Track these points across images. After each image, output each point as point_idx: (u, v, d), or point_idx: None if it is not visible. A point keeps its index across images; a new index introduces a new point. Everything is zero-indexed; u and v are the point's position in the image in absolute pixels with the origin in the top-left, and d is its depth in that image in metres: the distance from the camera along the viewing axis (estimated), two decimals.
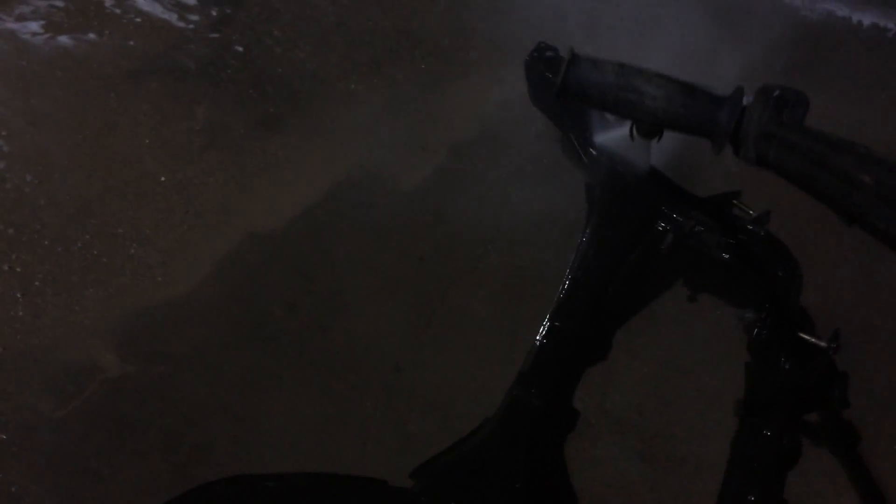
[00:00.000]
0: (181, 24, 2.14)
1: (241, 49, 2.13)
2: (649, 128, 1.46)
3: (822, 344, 1.56)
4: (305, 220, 1.84)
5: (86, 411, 1.49)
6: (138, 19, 2.10)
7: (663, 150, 1.63)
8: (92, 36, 2.05)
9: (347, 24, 2.24)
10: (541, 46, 1.87)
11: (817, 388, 1.65)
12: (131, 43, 2.06)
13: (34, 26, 2.05)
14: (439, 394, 1.64)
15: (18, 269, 1.63)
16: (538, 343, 1.59)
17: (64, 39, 2.03)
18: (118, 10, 2.12)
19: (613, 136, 1.68)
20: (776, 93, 1.24)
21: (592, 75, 1.41)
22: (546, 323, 1.61)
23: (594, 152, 1.79)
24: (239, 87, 2.05)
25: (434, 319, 1.75)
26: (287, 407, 1.55)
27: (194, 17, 2.15)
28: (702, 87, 1.35)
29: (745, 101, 1.28)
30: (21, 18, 2.07)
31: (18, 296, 1.60)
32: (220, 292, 1.68)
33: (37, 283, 1.62)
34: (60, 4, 2.10)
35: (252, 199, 1.85)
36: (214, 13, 2.21)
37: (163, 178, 1.83)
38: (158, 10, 2.15)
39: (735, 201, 1.69)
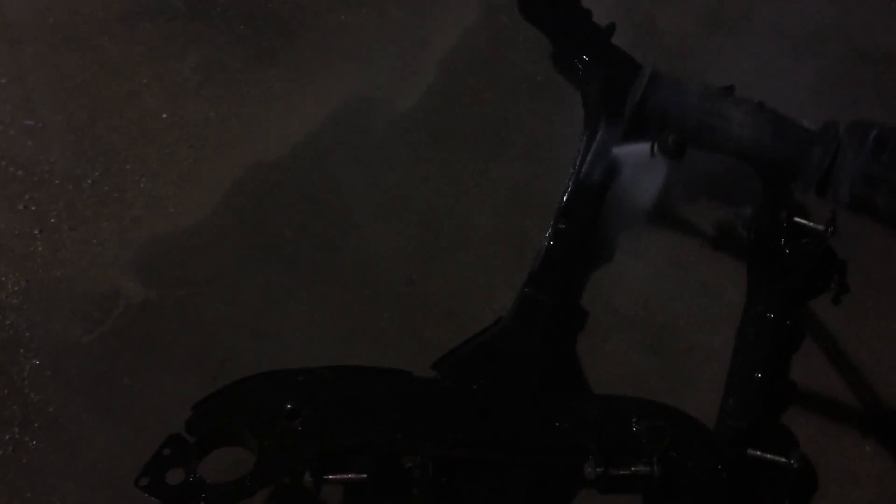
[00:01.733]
0: None
1: None
2: (675, 147, 1.39)
3: (819, 227, 1.61)
4: (308, 147, 1.88)
5: (113, 334, 1.54)
6: None
7: None
8: None
9: None
10: None
11: (817, 274, 1.71)
12: None
13: None
14: (452, 302, 1.70)
15: (33, 208, 1.68)
16: (546, 244, 1.64)
17: None
18: None
19: (632, 150, 1.61)
20: (874, 132, 1.17)
21: (674, 96, 1.33)
22: (552, 225, 1.66)
23: (587, 59, 1.83)
24: (230, 23, 2.07)
25: (442, 234, 1.80)
26: (305, 322, 1.61)
27: None
28: (792, 118, 1.26)
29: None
30: None
31: (36, 232, 1.65)
32: (232, 219, 1.73)
33: (52, 220, 1.67)
34: None
35: (254, 130, 1.89)
36: None
37: (164, 115, 1.87)
38: None
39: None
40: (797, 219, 1.65)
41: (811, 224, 1.64)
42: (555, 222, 1.67)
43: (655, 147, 1.43)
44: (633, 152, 1.59)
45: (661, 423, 1.19)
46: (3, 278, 1.60)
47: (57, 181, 1.74)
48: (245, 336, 1.58)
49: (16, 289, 1.59)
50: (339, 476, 1.17)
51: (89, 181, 1.74)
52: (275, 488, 1.35)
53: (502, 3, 2.20)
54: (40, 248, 1.63)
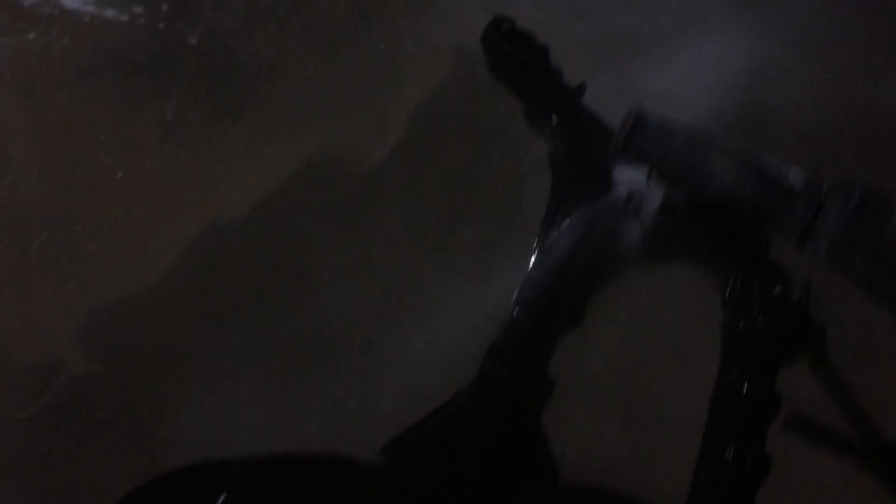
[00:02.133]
0: (131, 19, 2.11)
1: (193, 41, 2.11)
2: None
3: (794, 296, 1.56)
4: (268, 206, 1.82)
5: (52, 410, 1.47)
6: (86, 18, 2.08)
7: None
8: (37, 37, 2.02)
9: (303, 10, 2.22)
10: (497, 19, 1.86)
11: (794, 341, 1.65)
12: (80, 41, 2.03)
13: None
14: (413, 371, 1.62)
15: None
16: (510, 314, 1.58)
17: (8, 42, 1.99)
18: (67, 8, 2.09)
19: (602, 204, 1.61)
20: (858, 191, 1.14)
21: (658, 139, 1.29)
22: (516, 294, 1.60)
23: (557, 119, 1.78)
24: (193, 79, 2.03)
25: (405, 297, 1.74)
26: (256, 395, 1.54)
27: (144, 11, 2.12)
28: (777, 168, 1.22)
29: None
30: None
31: None
32: (183, 284, 1.66)
33: None
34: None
35: (212, 189, 1.83)
36: (165, 7, 2.18)
37: (119, 174, 1.81)
38: (107, 6, 2.12)
39: None
40: (773, 288, 1.60)
41: (786, 293, 1.58)
42: (519, 290, 1.60)
43: (651, 175, 1.43)
44: (606, 206, 1.58)
45: None
46: None
47: (3, 244, 1.67)
48: (191, 412, 1.50)
49: None
50: None
51: (36, 245, 1.67)
52: None
53: (476, 57, 2.15)
54: None
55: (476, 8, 2.21)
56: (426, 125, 2.04)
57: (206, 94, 2.02)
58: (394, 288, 1.74)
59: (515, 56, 1.81)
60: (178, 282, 1.66)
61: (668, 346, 1.75)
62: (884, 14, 2.27)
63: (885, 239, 1.07)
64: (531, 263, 1.62)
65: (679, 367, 1.71)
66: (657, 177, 1.32)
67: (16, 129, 1.84)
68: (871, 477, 1.60)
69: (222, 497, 1.10)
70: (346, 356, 1.62)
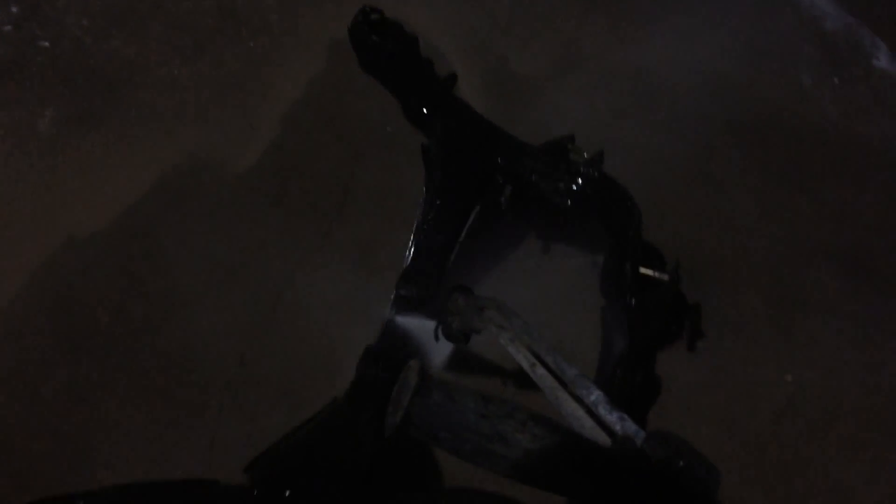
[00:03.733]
0: None
1: (46, 44, 1.97)
2: (458, 335, 1.41)
3: (664, 277, 1.57)
4: (130, 217, 1.72)
5: None
6: None
7: None
8: None
9: (164, 6, 2.10)
10: (365, 10, 1.80)
11: (669, 321, 1.67)
12: None
13: None
14: (289, 382, 1.56)
15: None
16: (387, 314, 1.53)
17: None
18: None
19: (415, 322, 1.53)
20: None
21: (446, 411, 1.04)
22: (393, 294, 1.56)
23: (428, 111, 1.74)
24: (45, 83, 1.90)
25: (279, 305, 1.67)
26: (119, 419, 1.45)
27: None
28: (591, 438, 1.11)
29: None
30: None
31: None
32: (38, 305, 1.55)
33: None
34: None
35: (68, 202, 1.71)
36: (14, 9, 2.02)
37: None
38: None
39: (569, 146, 1.67)
40: (643, 270, 1.61)
41: (657, 274, 1.60)
42: (396, 289, 1.56)
43: (439, 331, 1.44)
44: (418, 327, 1.53)
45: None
46: None
47: None
48: (46, 440, 1.40)
49: None
50: None
51: None
52: None
53: (350, 52, 2.09)
54: None
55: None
56: (299, 124, 1.97)
57: (60, 100, 1.89)
58: (268, 296, 1.67)
59: (384, 48, 1.76)
60: (31, 303, 1.55)
61: (554, 336, 1.74)
62: None
63: None
64: (406, 258, 1.57)
65: (563, 356, 1.70)
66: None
67: None
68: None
69: None
70: (219, 371, 1.55)
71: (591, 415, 1.22)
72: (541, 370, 1.30)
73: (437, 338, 1.44)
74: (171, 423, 1.47)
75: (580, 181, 1.62)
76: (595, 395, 1.23)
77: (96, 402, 1.46)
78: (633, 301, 1.57)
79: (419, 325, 1.53)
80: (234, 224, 1.77)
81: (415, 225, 1.65)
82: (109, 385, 1.49)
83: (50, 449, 1.39)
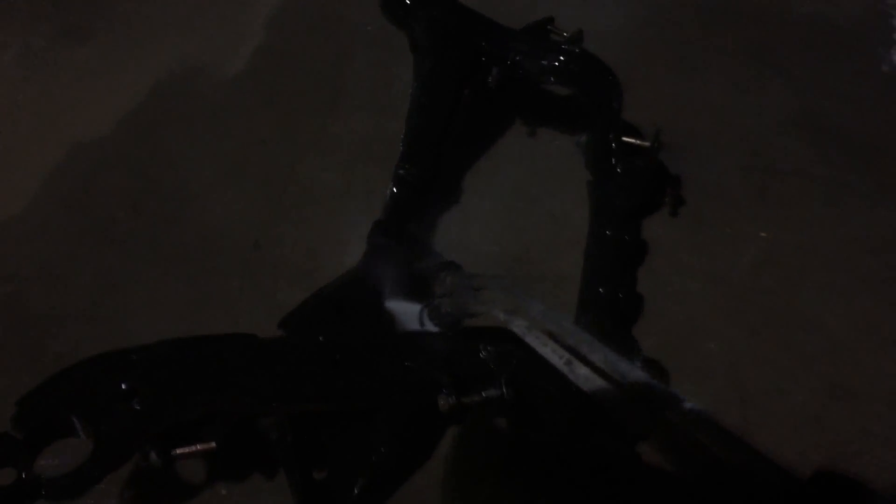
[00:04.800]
0: None
1: None
2: (448, 319, 1.33)
3: (646, 143, 1.68)
4: (133, 122, 1.79)
5: None
6: None
7: None
8: None
9: None
10: None
11: (652, 190, 1.78)
12: None
13: None
14: (303, 261, 1.67)
15: None
16: (389, 191, 1.63)
17: None
18: None
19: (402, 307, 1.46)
20: None
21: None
22: (393, 173, 1.65)
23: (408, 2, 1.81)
24: (34, 4, 1.92)
25: (286, 195, 1.76)
26: (147, 302, 1.55)
27: None
28: None
29: None
30: None
31: None
32: (56, 205, 1.63)
33: None
34: None
35: (71, 109, 1.78)
36: None
37: None
38: None
39: (549, 27, 1.76)
40: (626, 138, 1.71)
41: (638, 142, 1.71)
42: (396, 168, 1.66)
43: (425, 315, 1.37)
44: (402, 311, 1.45)
45: (509, 347, 1.21)
46: None
47: None
48: (82, 325, 1.50)
49: None
50: (186, 449, 1.12)
51: None
52: (132, 472, 1.30)
53: None
54: None
55: None
56: (286, 27, 2.02)
57: (48, 17, 1.93)
58: (273, 187, 1.76)
59: None
60: (50, 203, 1.63)
61: (543, 212, 1.85)
62: None
63: None
64: (403, 142, 1.66)
65: (554, 229, 1.82)
66: None
67: None
68: None
69: (125, 385, 1.11)
70: (236, 255, 1.65)
71: None
72: (582, 368, 1.20)
73: (421, 323, 1.36)
74: (196, 304, 1.57)
75: (562, 58, 1.71)
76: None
77: (126, 289, 1.56)
78: (620, 166, 1.68)
79: (404, 310, 1.43)
80: (233, 123, 1.85)
81: (407, 112, 1.74)
82: (135, 273, 1.58)
83: (88, 334, 1.49)
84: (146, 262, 1.61)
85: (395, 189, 1.65)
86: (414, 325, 1.34)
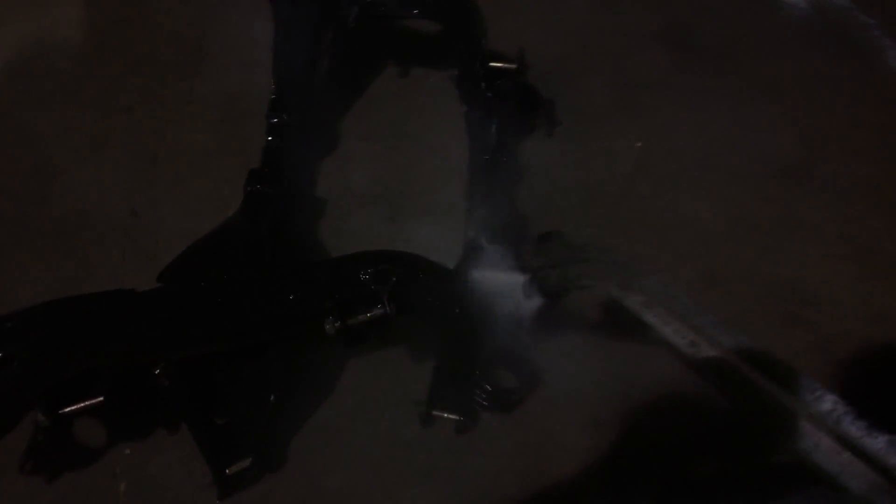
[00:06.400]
0: None
1: None
2: (557, 290, 1.29)
3: (512, 66, 1.73)
4: None
5: None
6: None
7: None
8: None
9: None
10: None
11: (522, 110, 1.83)
12: None
13: None
14: (184, 222, 1.65)
15: None
16: (265, 142, 1.64)
17: None
18: None
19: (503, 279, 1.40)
20: None
21: None
22: (265, 122, 1.66)
23: None
24: None
25: (159, 159, 1.74)
26: (23, 281, 1.51)
27: None
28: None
29: None
30: None
31: None
32: None
33: None
34: None
35: None
36: None
37: None
38: None
39: None
40: (492, 63, 1.76)
41: (503, 65, 1.76)
42: (267, 117, 1.66)
43: (529, 287, 1.32)
44: (503, 283, 1.39)
45: (385, 267, 1.24)
46: None
47: None
48: None
49: None
50: (73, 407, 1.12)
51: None
52: (31, 442, 1.28)
53: None
54: None
55: None
56: None
57: None
58: (144, 155, 1.74)
59: None
60: None
61: (425, 148, 1.89)
62: None
63: None
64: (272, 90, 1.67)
65: (436, 162, 1.86)
66: None
67: None
68: None
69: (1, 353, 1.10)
70: (113, 224, 1.62)
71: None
72: (708, 350, 1.14)
73: (527, 295, 1.32)
74: (78, 277, 1.54)
75: None
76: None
77: (3, 270, 1.52)
78: (489, 90, 1.73)
79: (502, 280, 1.36)
80: (94, 95, 1.81)
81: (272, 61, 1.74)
82: (6, 254, 1.54)
83: None
84: (17, 241, 1.57)
85: (269, 138, 1.66)
86: (516, 298, 1.30)
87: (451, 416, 1.40)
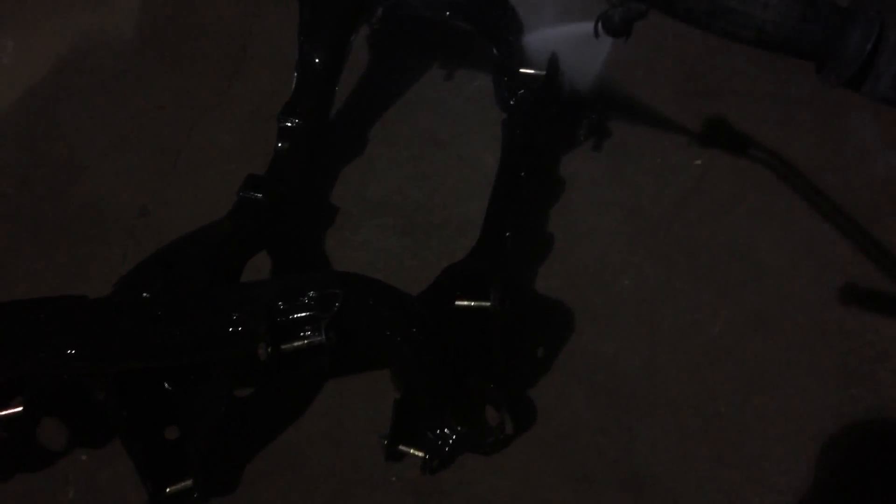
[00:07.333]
0: None
1: None
2: (621, 26, 1.22)
3: (542, 72, 1.59)
4: (30, 100, 1.81)
5: None
6: None
7: None
8: None
9: None
10: None
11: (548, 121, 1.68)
12: None
13: None
14: (191, 224, 1.61)
15: None
16: (275, 148, 1.59)
17: None
18: None
19: (567, 31, 1.46)
20: None
21: None
22: (277, 128, 1.61)
23: None
24: None
25: (180, 159, 1.74)
26: (26, 275, 1.54)
27: None
28: None
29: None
30: None
31: None
32: None
33: None
34: None
35: None
36: None
37: None
38: None
39: None
40: (522, 70, 1.62)
41: (534, 71, 1.61)
42: (278, 121, 1.61)
43: (599, 26, 1.27)
44: (568, 33, 1.45)
45: (333, 291, 1.14)
46: None
47: None
48: None
49: None
50: None
51: None
52: None
53: None
54: None
55: None
56: None
57: None
58: (167, 153, 1.74)
59: None
60: None
61: (453, 156, 1.77)
62: None
63: None
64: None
65: (464, 173, 1.74)
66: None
67: None
68: None
69: None
70: (121, 223, 1.63)
71: None
72: None
73: (596, 34, 1.28)
74: (76, 275, 1.55)
75: None
76: None
77: (7, 266, 1.56)
78: (512, 98, 1.59)
79: (569, 31, 1.43)
80: (132, 92, 1.83)
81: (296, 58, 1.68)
82: (18, 250, 1.59)
83: None
84: (30, 236, 1.61)
85: (278, 143, 1.61)
86: (589, 41, 1.31)
87: (416, 453, 1.29)
